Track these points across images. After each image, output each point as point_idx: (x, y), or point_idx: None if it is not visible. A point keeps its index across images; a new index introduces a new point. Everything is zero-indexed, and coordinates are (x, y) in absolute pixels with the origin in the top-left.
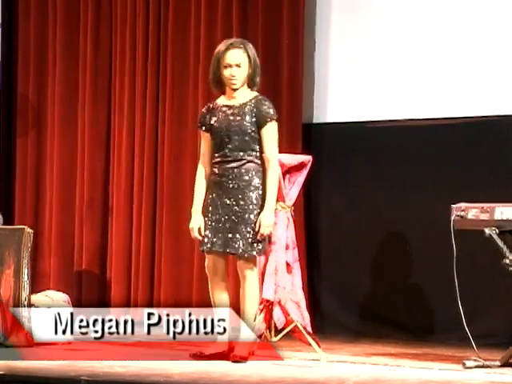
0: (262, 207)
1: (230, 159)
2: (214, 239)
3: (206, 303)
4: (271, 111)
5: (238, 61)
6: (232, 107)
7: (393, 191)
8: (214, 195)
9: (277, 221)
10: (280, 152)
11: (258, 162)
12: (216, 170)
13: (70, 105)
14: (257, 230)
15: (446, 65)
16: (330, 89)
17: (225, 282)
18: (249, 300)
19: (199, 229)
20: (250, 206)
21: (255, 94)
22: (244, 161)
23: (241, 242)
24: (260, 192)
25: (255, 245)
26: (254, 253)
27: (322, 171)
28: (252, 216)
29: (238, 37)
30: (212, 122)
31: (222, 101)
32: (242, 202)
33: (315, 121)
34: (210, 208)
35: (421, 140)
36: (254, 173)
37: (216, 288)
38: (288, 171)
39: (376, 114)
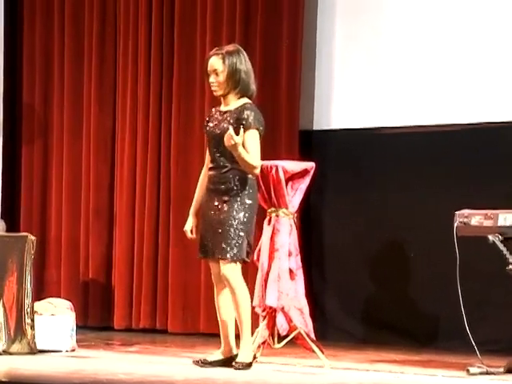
0: (244, 216)
1: (216, 165)
2: (206, 244)
3: (213, 313)
4: (250, 119)
5: (214, 67)
6: (222, 113)
7: (397, 198)
8: (205, 200)
9: (280, 227)
10: (280, 159)
11: (242, 168)
12: (209, 176)
13: (76, 113)
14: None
15: (453, 69)
16: (332, 94)
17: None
18: (236, 308)
19: (191, 231)
20: (232, 212)
21: (244, 101)
22: (227, 168)
23: (220, 245)
24: (243, 200)
25: (229, 248)
26: (228, 256)
27: (325, 178)
28: (233, 221)
29: (240, 42)
30: (208, 127)
31: (220, 107)
32: (225, 208)
33: (316, 127)
34: (202, 213)
35: (426, 146)
36: (236, 179)
37: (220, 295)
38: (291, 178)
39: (380, 120)
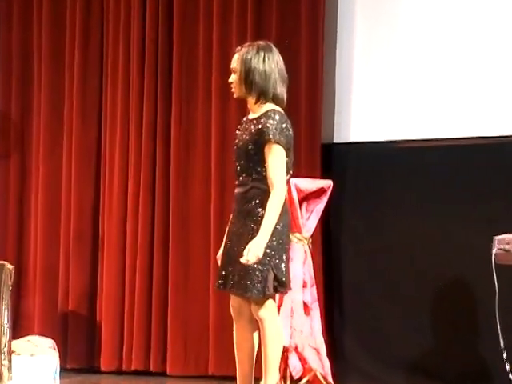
0: (270, 245)
1: (239, 182)
2: (225, 275)
3: (225, 351)
4: (270, 130)
5: (232, 65)
6: (249, 122)
7: (424, 220)
8: (231, 222)
9: (293, 255)
10: (297, 176)
11: (265, 187)
12: (234, 194)
13: (57, 125)
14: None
15: (482, 79)
16: (352, 105)
17: (252, 324)
18: (265, 346)
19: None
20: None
21: (269, 107)
22: (248, 186)
23: (242, 280)
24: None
25: (254, 284)
26: (250, 294)
27: (344, 197)
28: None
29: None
30: (236, 138)
31: (250, 114)
32: (247, 235)
33: (336, 140)
34: (225, 237)
35: (455, 161)
36: (257, 200)
37: (240, 332)
38: (306, 198)
39: (404, 132)
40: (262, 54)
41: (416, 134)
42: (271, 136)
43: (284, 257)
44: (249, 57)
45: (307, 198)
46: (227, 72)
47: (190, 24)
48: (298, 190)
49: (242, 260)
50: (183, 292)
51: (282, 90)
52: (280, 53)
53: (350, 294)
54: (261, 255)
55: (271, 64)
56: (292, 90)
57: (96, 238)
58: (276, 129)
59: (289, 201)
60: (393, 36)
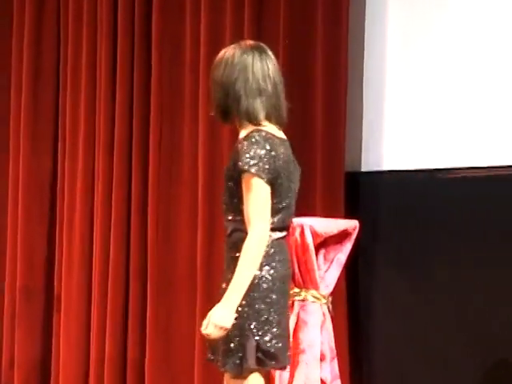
0: (252, 302)
1: (224, 224)
2: (212, 341)
3: None
4: (244, 158)
5: None
6: (237, 143)
7: (477, 269)
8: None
9: (307, 318)
10: (313, 215)
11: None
12: None
13: None
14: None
15: None
16: (385, 123)
17: None
18: None
19: None
20: None
21: (251, 129)
22: (231, 228)
23: (220, 348)
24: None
25: (229, 355)
26: (227, 366)
27: (374, 242)
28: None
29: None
30: None
31: None
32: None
33: (364, 168)
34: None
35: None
36: (241, 247)
37: None
38: (324, 244)
39: (450, 158)
40: (229, 59)
41: (470, 161)
42: (245, 166)
43: (275, 319)
44: (215, 65)
45: (326, 243)
46: None
47: (174, 17)
48: (314, 234)
49: (202, 331)
50: (164, 367)
51: (256, 105)
52: (289, 54)
53: (382, 369)
54: (227, 324)
55: (232, 71)
56: (305, 106)
57: (50, 296)
58: (252, 156)
59: (302, 247)
60: (437, 32)
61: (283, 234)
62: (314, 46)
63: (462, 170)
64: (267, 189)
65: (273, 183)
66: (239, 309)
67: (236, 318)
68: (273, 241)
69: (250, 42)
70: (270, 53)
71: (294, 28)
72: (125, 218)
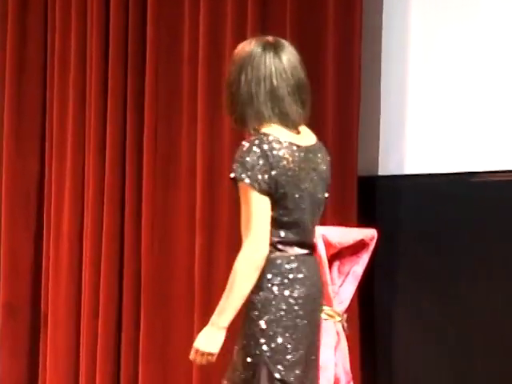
0: (255, 323)
1: None
2: None
3: None
4: (235, 166)
5: None
6: None
7: (506, 282)
8: None
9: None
10: (325, 223)
11: None
12: None
13: None
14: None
15: None
16: (406, 121)
17: None
18: None
19: None
20: (244, 324)
21: (255, 134)
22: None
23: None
24: (254, 298)
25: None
26: None
27: (394, 253)
28: (241, 339)
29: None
30: None
31: None
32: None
33: (382, 172)
34: None
35: None
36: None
37: None
38: (338, 256)
39: (477, 161)
40: (253, 57)
41: (498, 164)
42: (237, 174)
43: (292, 345)
44: (234, 61)
45: (341, 255)
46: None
47: (170, 5)
48: (328, 244)
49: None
50: None
51: (271, 111)
52: (296, 45)
53: None
54: (213, 350)
55: (258, 73)
56: (312, 97)
57: (35, 314)
58: (242, 163)
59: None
60: (466, 32)
61: (304, 251)
62: (324, 35)
63: (499, 173)
64: (260, 200)
65: (270, 193)
66: (248, 333)
67: (239, 349)
68: (289, 257)
69: (267, 39)
70: (287, 50)
71: (302, 15)
72: (117, 224)
